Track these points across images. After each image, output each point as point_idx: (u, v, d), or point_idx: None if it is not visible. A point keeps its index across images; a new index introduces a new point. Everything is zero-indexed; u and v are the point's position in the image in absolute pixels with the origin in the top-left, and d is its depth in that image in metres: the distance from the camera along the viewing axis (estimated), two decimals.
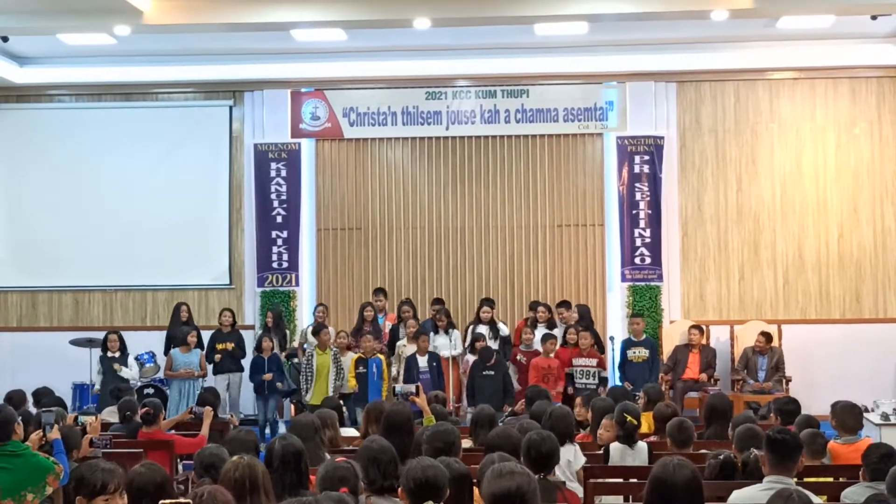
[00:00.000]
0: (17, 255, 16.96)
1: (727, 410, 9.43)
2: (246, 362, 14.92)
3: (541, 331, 14.53)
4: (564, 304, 15.25)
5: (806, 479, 6.81)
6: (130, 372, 14.30)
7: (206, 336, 14.96)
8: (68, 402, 13.69)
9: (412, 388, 9.43)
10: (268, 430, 14.10)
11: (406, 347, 14.08)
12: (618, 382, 14.34)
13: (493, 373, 13.59)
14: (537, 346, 14.26)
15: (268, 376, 14.25)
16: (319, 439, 7.70)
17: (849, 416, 8.64)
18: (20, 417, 7.99)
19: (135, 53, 15.93)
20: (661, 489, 5.07)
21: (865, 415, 10.79)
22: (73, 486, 5.61)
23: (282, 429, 13.59)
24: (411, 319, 14.55)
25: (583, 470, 7.62)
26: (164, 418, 10.56)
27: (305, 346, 14.59)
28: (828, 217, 16.10)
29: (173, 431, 10.49)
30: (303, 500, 4.31)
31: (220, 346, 14.83)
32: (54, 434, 7.73)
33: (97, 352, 14.55)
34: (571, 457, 7.82)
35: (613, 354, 14.96)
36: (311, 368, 13.67)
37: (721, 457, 6.78)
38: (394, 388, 13.27)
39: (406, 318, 14.72)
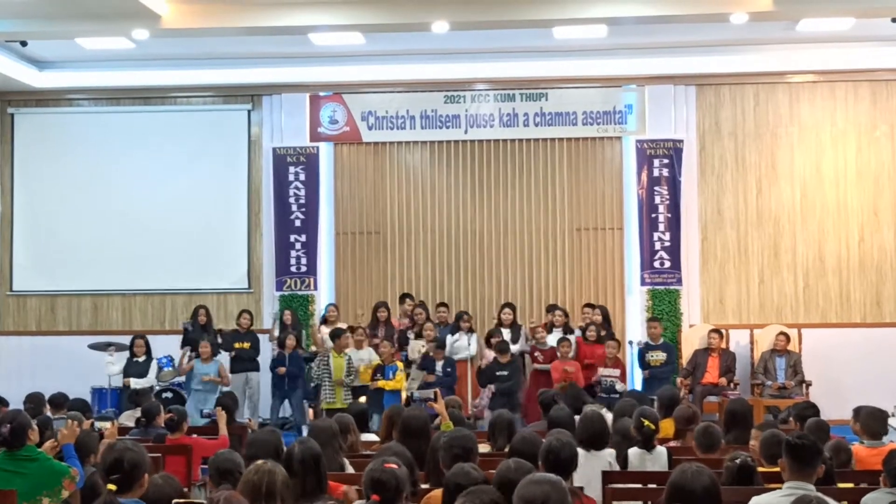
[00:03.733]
0: (36, 259, 17.01)
1: (747, 415, 9.37)
2: (263, 361, 15.02)
3: (557, 334, 14.54)
4: (589, 305, 15.28)
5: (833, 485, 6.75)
6: (141, 381, 14.30)
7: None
8: None
9: (430, 393, 9.41)
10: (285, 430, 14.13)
11: (422, 350, 14.13)
12: (636, 387, 14.31)
13: (506, 373, 13.65)
14: (552, 343, 14.44)
15: (281, 370, 14.31)
16: (338, 444, 7.65)
17: (874, 422, 8.54)
18: (36, 422, 7.99)
19: (153, 57, 15.96)
20: (679, 495, 5.03)
21: (889, 420, 10.69)
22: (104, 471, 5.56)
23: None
24: (428, 323, 14.59)
25: (602, 475, 7.56)
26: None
27: (326, 344, 14.61)
28: (848, 220, 16.02)
29: (194, 435, 10.45)
30: None
31: (237, 345, 14.91)
32: (66, 438, 7.71)
33: (121, 355, 14.64)
34: (605, 464, 7.77)
35: (632, 359, 14.93)
36: (327, 370, 13.71)
37: (738, 460, 6.71)
38: (411, 393, 13.28)
39: (419, 320, 14.78)
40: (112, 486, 5.35)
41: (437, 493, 6.15)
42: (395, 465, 5.55)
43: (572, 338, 14.52)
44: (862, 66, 15.93)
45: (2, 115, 17.07)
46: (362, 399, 13.00)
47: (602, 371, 14.01)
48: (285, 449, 6.27)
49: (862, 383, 14.81)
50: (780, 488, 6.12)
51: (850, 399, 11.33)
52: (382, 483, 5.40)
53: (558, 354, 14.09)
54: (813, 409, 9.40)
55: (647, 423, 8.12)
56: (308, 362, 14.57)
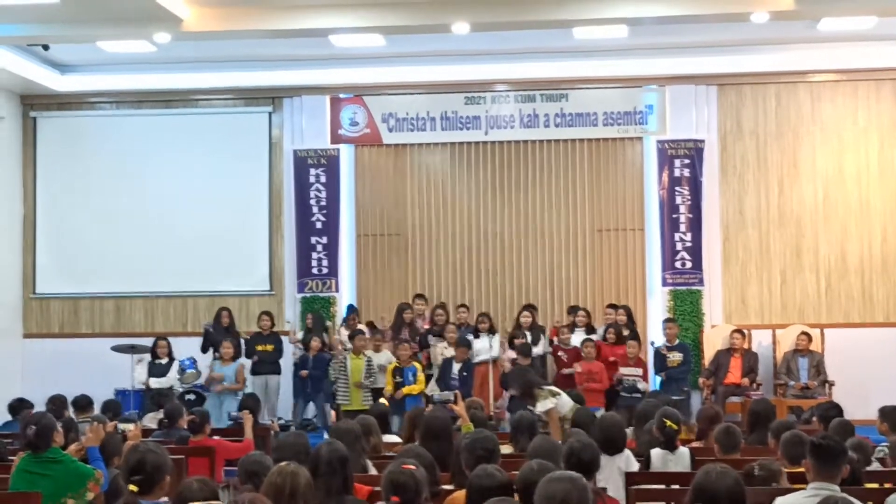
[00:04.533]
0: (59, 261, 17.08)
1: (770, 416, 9.35)
2: (285, 364, 15.10)
3: (578, 335, 14.54)
4: (612, 306, 15.30)
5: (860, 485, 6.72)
6: (161, 381, 14.35)
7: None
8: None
9: (450, 395, 9.38)
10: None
11: (446, 350, 14.12)
12: (656, 387, 14.29)
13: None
14: (575, 343, 14.52)
15: (304, 373, 14.34)
16: (361, 447, 7.65)
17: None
18: (61, 425, 8.03)
19: (174, 60, 15.98)
20: (704, 497, 5.01)
21: None
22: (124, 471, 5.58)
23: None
24: (450, 325, 14.60)
25: (625, 476, 7.56)
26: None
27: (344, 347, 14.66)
28: (871, 220, 15.95)
29: (217, 437, 10.47)
30: None
31: (259, 348, 14.93)
32: (90, 441, 7.75)
33: (138, 357, 14.70)
34: (623, 464, 7.77)
35: (653, 360, 14.92)
36: (345, 372, 13.75)
37: (762, 472, 6.68)
38: (431, 395, 13.29)
39: (440, 321, 14.79)
40: (133, 487, 5.37)
41: (460, 494, 6.15)
42: (413, 467, 5.56)
43: (595, 337, 14.53)
44: (884, 65, 15.85)
45: (24, 118, 17.13)
46: (382, 400, 12.99)
47: (623, 370, 14.00)
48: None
49: (885, 383, 14.69)
50: (804, 489, 6.10)
51: (874, 399, 11.32)
52: (401, 485, 5.43)
53: (583, 354, 14.08)
54: (836, 410, 9.37)
55: (669, 423, 8.12)
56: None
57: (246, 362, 14.77)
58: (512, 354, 14.09)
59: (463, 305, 15.59)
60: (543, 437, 6.80)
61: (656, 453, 8.09)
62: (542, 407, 10.20)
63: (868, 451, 7.87)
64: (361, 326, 14.93)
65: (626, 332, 14.62)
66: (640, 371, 14.06)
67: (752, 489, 6.21)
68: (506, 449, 7.94)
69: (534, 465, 5.46)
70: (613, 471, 7.60)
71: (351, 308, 15.64)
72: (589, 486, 4.90)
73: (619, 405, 13.48)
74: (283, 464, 5.38)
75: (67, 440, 8.04)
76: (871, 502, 6.47)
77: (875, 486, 7.15)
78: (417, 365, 13.79)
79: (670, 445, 8.10)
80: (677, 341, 14.85)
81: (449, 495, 6.34)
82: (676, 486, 7.39)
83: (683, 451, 8.14)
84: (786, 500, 6.00)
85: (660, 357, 14.61)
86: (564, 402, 10.29)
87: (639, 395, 13.64)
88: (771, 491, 6.26)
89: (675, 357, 14.51)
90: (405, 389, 13.36)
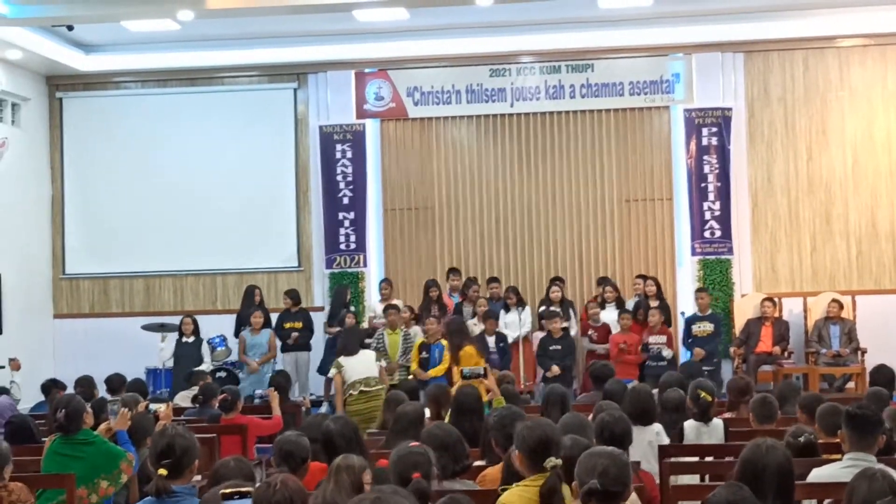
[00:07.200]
0: (88, 242, 17.13)
1: (797, 394, 9.31)
2: (317, 342, 15.06)
3: (610, 310, 14.49)
4: (641, 276, 15.22)
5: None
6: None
7: (274, 318, 15.12)
8: None
9: (480, 370, 9.34)
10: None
11: (476, 327, 14.03)
12: (687, 358, 14.25)
13: (560, 347, 13.60)
14: (604, 320, 14.44)
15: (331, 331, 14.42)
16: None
17: None
18: (91, 405, 8.06)
19: (199, 38, 15.98)
20: (753, 471, 4.97)
21: None
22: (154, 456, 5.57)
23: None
24: (481, 299, 14.57)
25: (658, 449, 7.52)
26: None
27: (376, 320, 14.63)
28: None
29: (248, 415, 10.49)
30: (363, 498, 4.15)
31: (287, 325, 14.97)
32: (119, 424, 7.76)
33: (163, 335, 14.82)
34: (653, 437, 7.73)
35: (683, 331, 14.86)
36: (383, 348, 13.65)
37: (801, 438, 6.63)
38: (462, 370, 13.21)
39: (474, 297, 14.75)
40: (163, 471, 5.36)
41: (493, 470, 6.15)
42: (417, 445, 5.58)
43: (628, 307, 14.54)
44: None
45: (50, 99, 17.15)
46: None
47: (649, 338, 13.95)
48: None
49: None
50: (839, 460, 6.06)
51: None
52: (419, 464, 5.38)
53: (619, 327, 14.02)
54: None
55: (703, 394, 8.06)
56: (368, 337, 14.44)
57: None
58: (540, 335, 14.03)
59: (494, 279, 15.56)
60: (573, 414, 6.75)
61: (690, 425, 8.04)
62: None
63: None
64: (397, 302, 14.81)
65: (654, 304, 14.52)
66: (664, 338, 14.00)
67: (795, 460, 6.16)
68: None
69: (567, 441, 5.44)
70: (644, 443, 7.55)
71: (384, 281, 15.58)
72: (628, 460, 4.89)
73: (646, 374, 13.45)
74: (271, 478, 4.96)
75: (98, 420, 8.06)
76: None
77: None
78: (444, 342, 13.65)
79: (705, 417, 8.05)
80: (709, 311, 14.78)
81: (480, 472, 6.33)
82: (710, 459, 7.36)
83: (717, 422, 8.08)
84: (822, 470, 5.96)
85: (688, 326, 14.57)
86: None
87: (664, 363, 13.63)
88: (808, 461, 6.20)
89: (706, 328, 14.44)
90: (431, 372, 13.11)
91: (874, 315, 15.14)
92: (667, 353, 13.95)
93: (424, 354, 13.38)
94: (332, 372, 12.05)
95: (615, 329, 14.15)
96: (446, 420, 7.72)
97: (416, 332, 13.84)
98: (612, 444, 6.04)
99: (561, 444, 5.35)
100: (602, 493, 4.53)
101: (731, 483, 4.71)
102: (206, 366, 14.19)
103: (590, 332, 14.35)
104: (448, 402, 8.35)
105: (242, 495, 4.05)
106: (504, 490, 5.25)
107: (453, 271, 15.67)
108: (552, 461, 5.13)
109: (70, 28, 15.06)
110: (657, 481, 6.90)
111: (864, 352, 14.43)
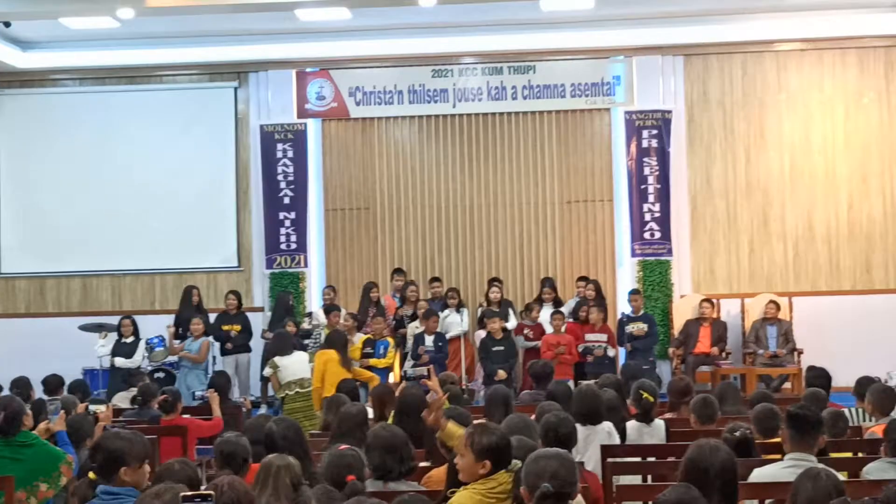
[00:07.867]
0: (24, 240, 16.93)
1: (736, 394, 9.42)
2: (255, 343, 14.97)
3: (547, 309, 14.53)
4: (583, 279, 15.27)
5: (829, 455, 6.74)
6: (127, 361, 14.18)
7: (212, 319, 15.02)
8: None
9: (424, 370, 9.37)
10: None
11: (417, 329, 14.05)
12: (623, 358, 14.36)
13: (503, 348, 13.62)
14: (540, 320, 14.43)
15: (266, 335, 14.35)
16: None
17: (886, 399, 8.42)
18: (30, 407, 7.97)
19: (138, 36, 15.84)
20: (697, 472, 5.01)
21: None
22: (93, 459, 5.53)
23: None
24: (421, 301, 14.57)
25: (600, 449, 7.55)
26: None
27: (314, 323, 14.60)
28: (837, 188, 16.01)
29: (188, 416, 10.43)
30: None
31: (225, 328, 14.85)
32: (57, 426, 7.69)
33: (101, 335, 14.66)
34: (605, 436, 7.75)
35: (618, 330, 14.95)
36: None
37: (737, 433, 6.70)
38: (405, 371, 13.23)
39: (412, 298, 14.75)
40: (92, 475, 5.35)
41: (438, 471, 6.15)
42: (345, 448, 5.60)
43: (565, 309, 14.57)
44: (849, 34, 15.87)
45: None
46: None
47: (589, 336, 14.01)
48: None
49: (853, 351, 14.74)
50: (780, 460, 6.12)
51: (842, 367, 11.43)
52: (349, 466, 5.49)
53: (552, 328, 14.06)
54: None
55: (645, 395, 8.12)
56: (304, 339, 14.45)
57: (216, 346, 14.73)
58: (483, 334, 14.05)
59: (436, 279, 15.58)
60: (517, 415, 6.77)
61: (632, 425, 8.09)
62: None
63: (845, 422, 7.91)
64: (342, 312, 14.69)
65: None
66: (604, 336, 14.07)
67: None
68: None
69: (513, 442, 5.46)
70: (594, 443, 7.57)
71: (328, 287, 15.49)
72: (576, 461, 4.91)
73: (587, 373, 13.48)
74: (217, 480, 4.98)
75: (37, 422, 7.97)
76: (845, 471, 6.50)
77: (849, 454, 7.20)
78: (391, 340, 13.68)
79: (646, 417, 8.11)
80: (642, 311, 14.90)
81: (426, 473, 6.34)
82: (652, 459, 7.42)
83: (659, 423, 8.14)
84: (763, 471, 6.02)
85: (622, 326, 14.66)
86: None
87: (608, 362, 13.71)
88: (748, 462, 6.26)
89: (639, 327, 14.53)
90: (372, 361, 13.15)
91: (810, 316, 15.33)
92: (612, 352, 14.04)
93: (369, 349, 13.38)
94: (268, 371, 12.15)
95: (549, 330, 14.16)
96: (390, 421, 7.70)
97: (358, 338, 13.85)
98: (557, 445, 6.08)
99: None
100: (554, 495, 4.55)
101: (681, 483, 4.75)
102: (140, 364, 14.06)
103: (525, 332, 14.35)
104: (392, 402, 8.33)
105: (204, 498, 4.02)
106: (454, 492, 5.25)
107: (398, 272, 15.65)
108: (517, 464, 5.12)
109: (7, 24, 14.87)
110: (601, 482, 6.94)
111: (800, 353, 14.61)
